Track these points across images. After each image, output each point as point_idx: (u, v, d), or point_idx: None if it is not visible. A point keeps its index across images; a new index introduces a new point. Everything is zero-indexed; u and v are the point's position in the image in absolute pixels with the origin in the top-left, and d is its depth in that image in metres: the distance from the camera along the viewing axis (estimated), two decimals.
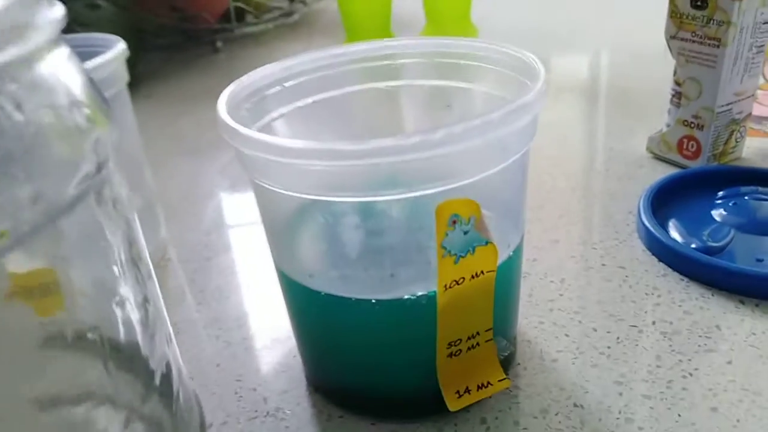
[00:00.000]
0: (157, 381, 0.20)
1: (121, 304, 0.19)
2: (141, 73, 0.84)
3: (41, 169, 0.14)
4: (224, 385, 0.32)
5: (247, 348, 0.34)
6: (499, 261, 0.24)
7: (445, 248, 0.22)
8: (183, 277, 0.41)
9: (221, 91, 0.26)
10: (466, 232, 0.23)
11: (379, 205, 0.23)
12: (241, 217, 0.49)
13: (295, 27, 1.02)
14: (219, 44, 0.91)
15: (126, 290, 0.19)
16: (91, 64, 0.34)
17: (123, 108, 0.38)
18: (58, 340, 0.19)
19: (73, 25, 0.41)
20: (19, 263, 0.16)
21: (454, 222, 0.22)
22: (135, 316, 0.19)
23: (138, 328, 0.19)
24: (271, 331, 0.35)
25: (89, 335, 0.18)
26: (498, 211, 0.24)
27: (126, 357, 0.19)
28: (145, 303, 0.20)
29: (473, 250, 0.23)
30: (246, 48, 0.91)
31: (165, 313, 0.22)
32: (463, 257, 0.23)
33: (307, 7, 1.05)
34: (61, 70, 0.16)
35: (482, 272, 0.24)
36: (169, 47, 0.95)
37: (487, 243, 0.23)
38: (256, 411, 0.30)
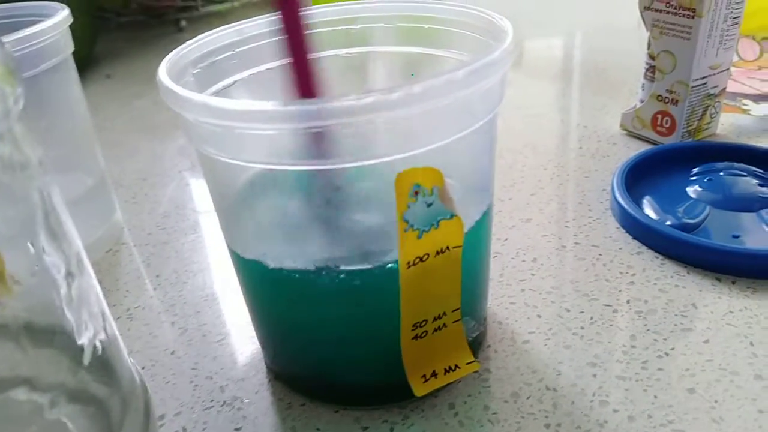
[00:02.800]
0: (87, 359, 0.19)
1: (41, 276, 0.17)
2: (101, 53, 0.81)
3: None
4: (179, 374, 0.30)
5: (204, 335, 0.32)
6: (466, 236, 0.23)
7: (407, 222, 0.21)
8: (138, 261, 0.39)
9: None
10: (429, 204, 0.21)
11: (335, 174, 0.21)
12: (200, 199, 0.47)
13: (261, 5, 0.99)
14: (183, 23, 0.88)
15: (46, 263, 0.17)
16: (28, 31, 0.31)
17: (68, 80, 0.36)
18: None
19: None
20: None
21: (416, 193, 0.20)
22: (57, 290, 0.17)
23: (62, 303, 0.17)
24: (229, 318, 0.33)
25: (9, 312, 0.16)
26: (463, 182, 0.22)
27: (46, 333, 0.17)
28: (68, 277, 0.18)
29: (437, 224, 0.21)
30: (211, 27, 0.88)
31: (98, 290, 0.20)
32: (426, 232, 0.21)
33: None
34: None
35: (448, 248, 0.22)
36: (131, 26, 0.92)
37: (452, 216, 0.22)
38: (212, 400, 0.28)
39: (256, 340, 0.31)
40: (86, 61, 0.75)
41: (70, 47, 0.36)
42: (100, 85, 0.71)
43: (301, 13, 0.22)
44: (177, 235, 0.41)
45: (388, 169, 0.20)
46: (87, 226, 0.39)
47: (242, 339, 0.31)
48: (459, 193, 0.21)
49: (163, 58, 0.24)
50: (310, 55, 0.23)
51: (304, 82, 0.22)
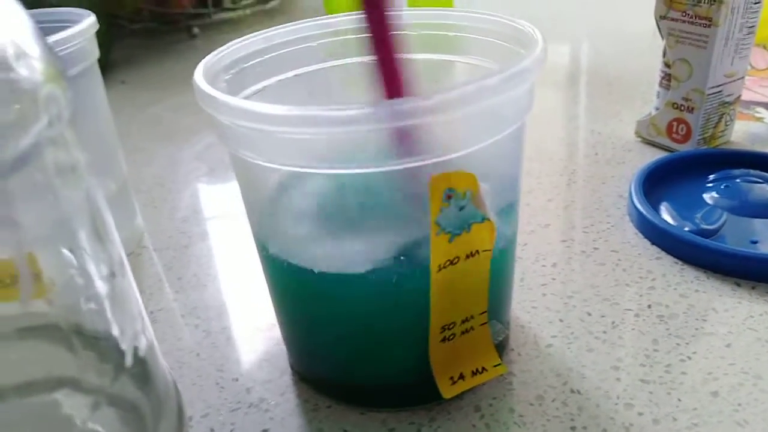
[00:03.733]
0: (129, 362, 0.19)
1: (85, 277, 0.17)
2: (115, 59, 0.82)
3: None
4: (205, 376, 0.30)
5: (227, 337, 0.33)
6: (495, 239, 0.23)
7: (439, 225, 0.21)
8: (159, 265, 0.40)
9: None
10: (461, 208, 0.21)
11: (369, 177, 0.21)
12: (219, 203, 0.47)
13: (272, 13, 1.00)
14: (195, 30, 0.89)
15: (90, 264, 0.17)
16: (57, 36, 0.32)
17: (93, 85, 0.36)
18: (19, 328, 0.18)
19: (44, 5, 0.39)
20: None
21: (449, 197, 0.21)
22: (101, 291, 0.18)
23: (105, 304, 0.18)
24: (252, 320, 0.34)
25: (50, 315, 0.17)
26: (494, 186, 0.23)
27: (91, 336, 0.18)
28: (111, 278, 0.18)
29: (469, 228, 0.22)
30: (223, 34, 0.89)
31: (137, 292, 0.20)
32: (458, 235, 0.22)
33: None
34: (3, 19, 0.15)
35: (478, 251, 0.23)
36: (145, 33, 0.93)
37: (483, 220, 0.22)
38: (239, 402, 0.28)
39: (280, 342, 0.31)
40: (102, 67, 0.77)
41: (96, 53, 0.36)
42: (115, 91, 0.72)
43: (389, 14, 0.22)
44: (196, 239, 0.42)
45: (422, 173, 0.20)
46: None
47: (266, 341, 0.32)
48: (490, 197, 0.21)
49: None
50: (399, 55, 0.22)
51: (392, 81, 0.22)
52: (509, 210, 0.25)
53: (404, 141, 0.20)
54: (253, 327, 0.33)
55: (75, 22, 0.35)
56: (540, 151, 0.48)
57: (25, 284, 0.17)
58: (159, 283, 0.38)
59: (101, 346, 0.19)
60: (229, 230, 0.43)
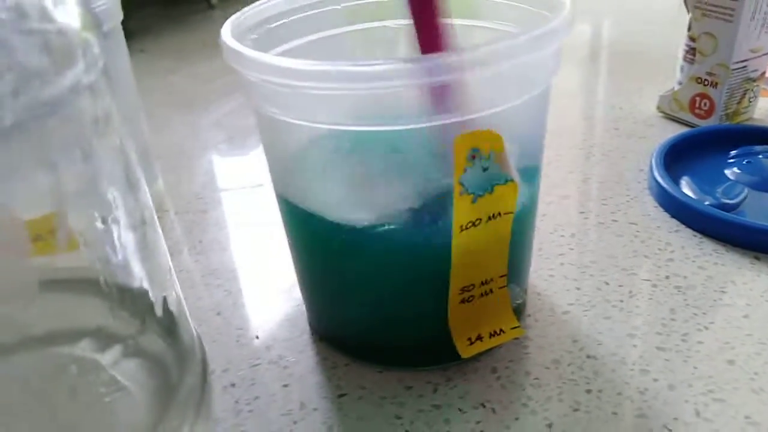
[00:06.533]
0: (158, 312, 0.19)
1: (117, 228, 0.17)
2: (134, 28, 0.82)
3: (24, 63, 0.13)
4: (225, 334, 0.31)
5: (248, 297, 0.33)
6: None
7: (462, 185, 0.21)
8: (180, 228, 0.40)
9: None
10: (485, 169, 0.21)
11: (396, 134, 0.21)
12: (237, 170, 0.47)
13: None
14: (214, 0, 0.89)
15: (122, 214, 0.18)
16: None
17: (118, 47, 0.37)
18: (47, 281, 0.18)
19: None
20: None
21: (474, 157, 0.21)
22: (132, 240, 0.18)
23: (136, 254, 0.18)
24: (272, 282, 0.34)
25: (84, 267, 0.17)
26: (519, 148, 0.23)
27: (123, 286, 0.18)
28: (142, 225, 0.18)
29: (492, 189, 0.22)
30: (242, 3, 0.89)
31: (164, 243, 0.21)
32: (481, 196, 0.22)
33: None
34: None
35: (500, 214, 0.23)
36: (163, 2, 0.93)
37: (506, 181, 0.22)
38: (259, 359, 0.29)
39: (299, 303, 0.32)
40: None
41: (120, 15, 0.37)
42: (134, 59, 0.72)
43: None
44: (216, 204, 0.42)
45: (448, 132, 0.20)
46: None
47: (286, 302, 0.32)
48: (515, 158, 0.21)
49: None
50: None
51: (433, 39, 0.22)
52: (533, 173, 0.25)
53: (433, 98, 0.20)
54: (273, 289, 0.34)
55: None
56: (560, 126, 0.48)
57: (62, 233, 0.17)
58: (179, 246, 0.38)
59: (132, 295, 0.19)
60: (248, 196, 0.43)
